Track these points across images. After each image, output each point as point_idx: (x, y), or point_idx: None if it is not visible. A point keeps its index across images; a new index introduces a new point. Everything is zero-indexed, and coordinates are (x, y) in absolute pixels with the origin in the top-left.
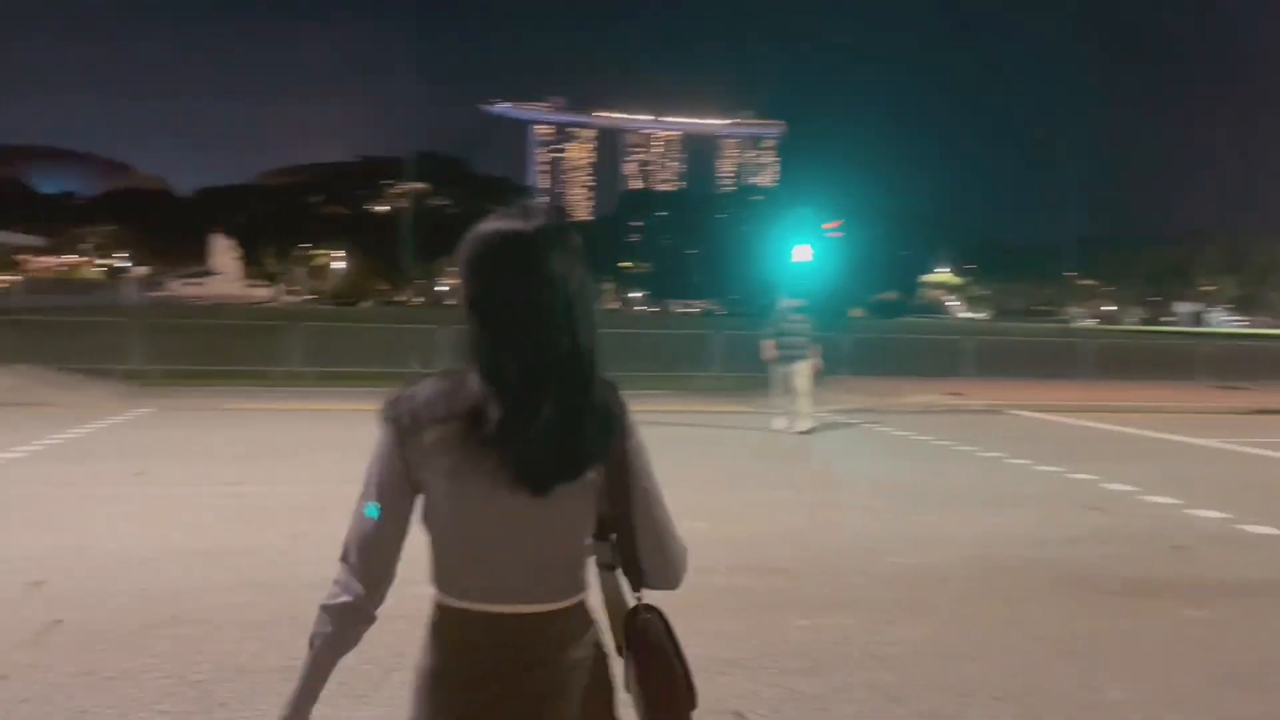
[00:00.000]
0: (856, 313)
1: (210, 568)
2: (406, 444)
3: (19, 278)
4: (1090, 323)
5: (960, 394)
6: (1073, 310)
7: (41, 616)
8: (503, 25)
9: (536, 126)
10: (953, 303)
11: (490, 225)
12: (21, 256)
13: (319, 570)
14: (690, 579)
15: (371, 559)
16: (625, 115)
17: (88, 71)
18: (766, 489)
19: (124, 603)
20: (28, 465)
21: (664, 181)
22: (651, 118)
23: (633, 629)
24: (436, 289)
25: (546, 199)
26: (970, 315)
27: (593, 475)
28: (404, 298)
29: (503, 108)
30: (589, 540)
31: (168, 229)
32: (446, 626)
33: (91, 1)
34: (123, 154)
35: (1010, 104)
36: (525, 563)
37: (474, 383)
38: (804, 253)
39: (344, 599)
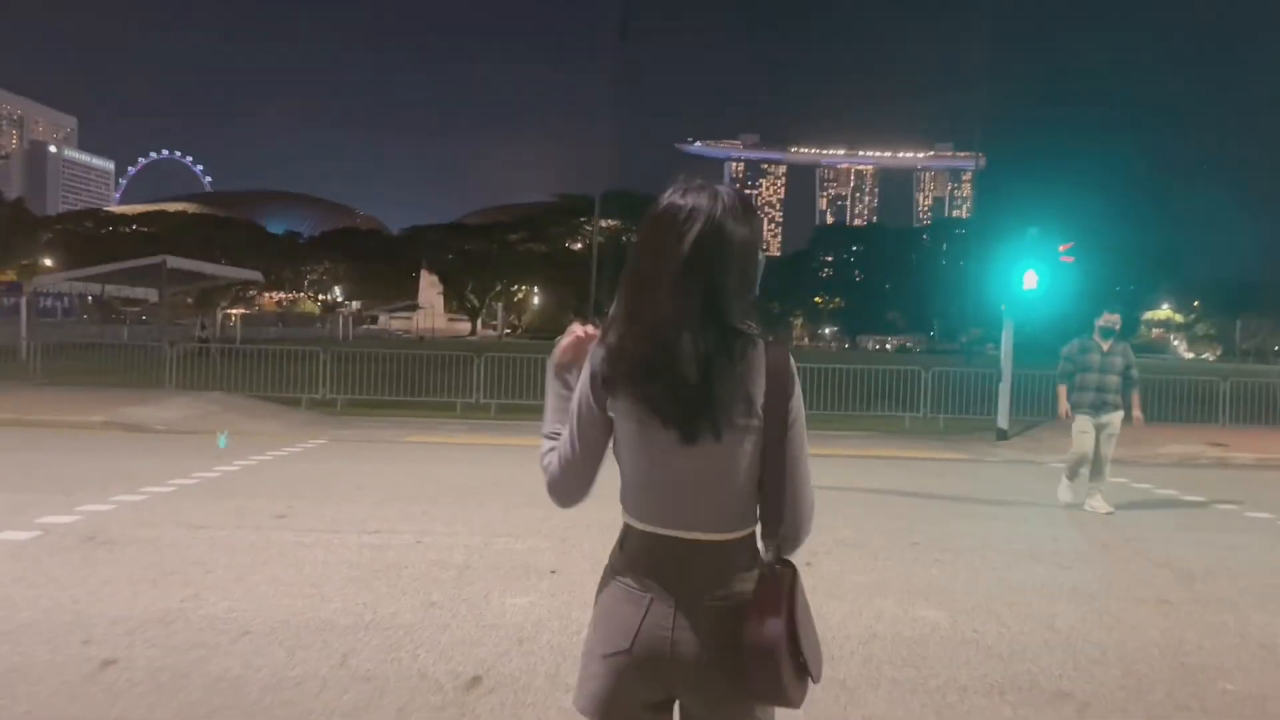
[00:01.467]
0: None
1: (314, 649)
2: (598, 380)
3: (243, 311)
4: None
5: (1224, 444)
6: None
7: (96, 711)
8: (701, 63)
9: (731, 163)
10: (1176, 342)
11: (678, 197)
12: (250, 292)
13: (446, 663)
14: (932, 698)
15: (569, 481)
16: (819, 150)
17: (318, 117)
18: (1021, 564)
19: (193, 699)
20: (171, 501)
21: (858, 216)
22: (844, 152)
23: (773, 580)
24: None
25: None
26: (1193, 355)
27: (754, 424)
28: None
29: (697, 147)
30: (748, 482)
31: (380, 266)
32: (625, 539)
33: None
34: (345, 198)
35: (1229, 134)
36: (685, 495)
37: (641, 330)
38: (1033, 279)
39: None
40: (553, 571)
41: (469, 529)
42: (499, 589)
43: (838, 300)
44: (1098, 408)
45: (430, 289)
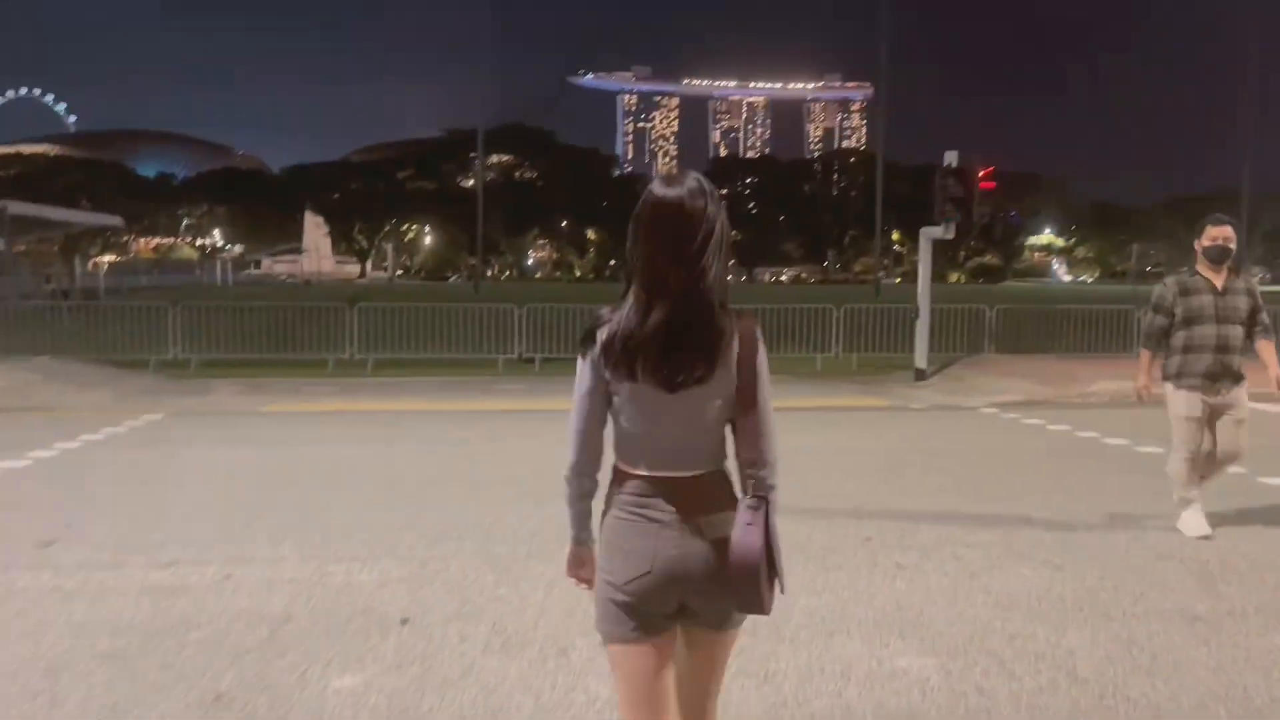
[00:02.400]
0: (954, 278)
1: None
2: (598, 354)
3: (113, 259)
4: None
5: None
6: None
7: None
8: None
9: (623, 96)
10: (1057, 266)
11: (660, 189)
12: (123, 238)
13: None
14: None
15: (587, 443)
16: (711, 82)
17: (191, 58)
18: (1002, 564)
19: None
20: None
21: (750, 149)
22: (736, 84)
23: (753, 509)
24: (527, 261)
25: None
26: (1073, 279)
27: (726, 378)
28: (494, 271)
29: (590, 79)
30: (722, 427)
31: (262, 208)
32: (623, 484)
33: None
34: (224, 138)
35: (1117, 52)
36: (669, 442)
37: (634, 309)
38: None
39: (574, 468)
40: (403, 621)
41: (301, 551)
42: (322, 659)
43: (734, 233)
44: (1215, 377)
45: (316, 230)
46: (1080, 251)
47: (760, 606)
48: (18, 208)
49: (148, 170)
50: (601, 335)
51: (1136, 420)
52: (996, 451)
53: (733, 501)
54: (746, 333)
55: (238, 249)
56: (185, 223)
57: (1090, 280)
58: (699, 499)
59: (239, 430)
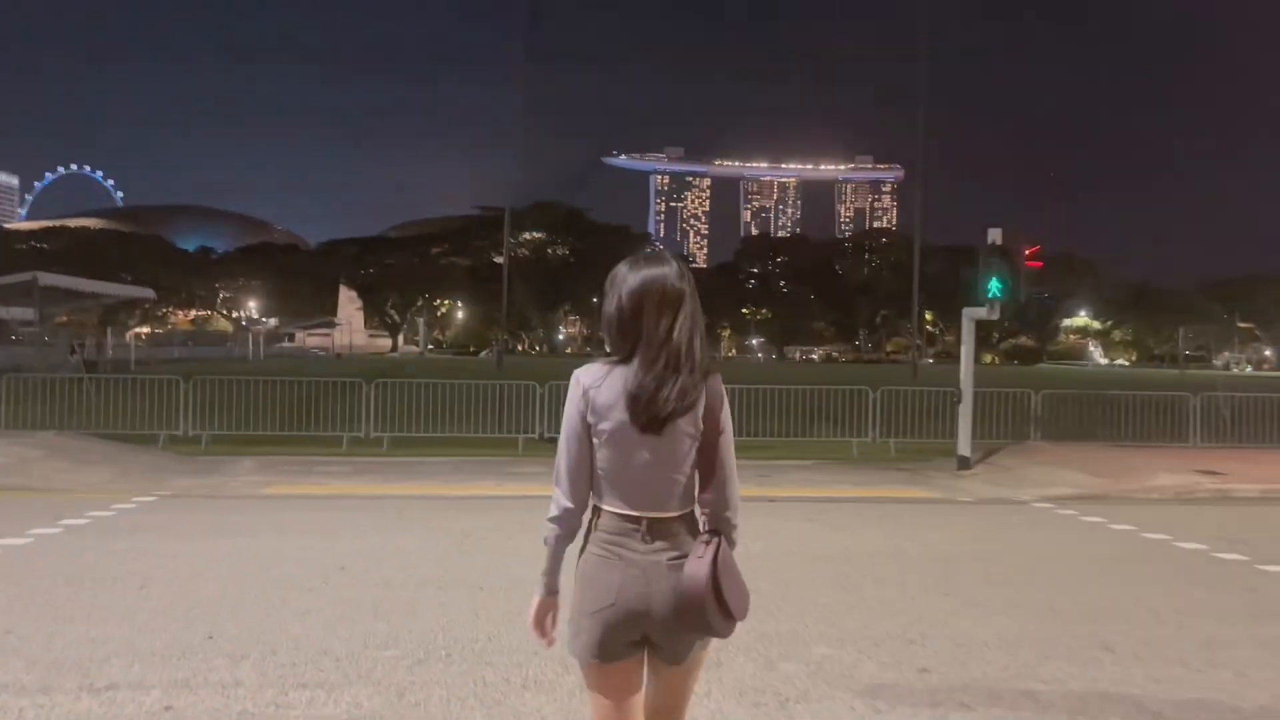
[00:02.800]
0: (988, 360)
1: None
2: (583, 401)
3: (149, 331)
4: (1247, 368)
5: (1218, 473)
6: (1227, 355)
7: None
8: (623, 78)
9: (655, 177)
10: (1093, 348)
11: (642, 267)
12: (163, 310)
13: None
14: None
15: (575, 480)
16: (743, 163)
17: (237, 133)
18: None
19: None
20: None
21: (781, 228)
22: (768, 165)
23: (703, 545)
24: (558, 337)
25: (661, 246)
26: (1109, 362)
27: (696, 432)
28: (524, 346)
29: (622, 160)
30: (690, 474)
31: (298, 282)
32: (600, 522)
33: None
34: (266, 214)
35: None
36: (643, 484)
37: (624, 368)
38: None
39: (561, 508)
40: None
41: (263, 672)
42: None
43: (764, 311)
44: None
45: (349, 304)
46: (1117, 334)
47: (710, 631)
48: (48, 279)
49: (188, 244)
50: (591, 388)
51: (1205, 520)
52: (1058, 556)
53: (693, 542)
54: (714, 390)
55: (273, 322)
56: (222, 296)
57: (1127, 364)
58: (669, 539)
59: (231, 516)
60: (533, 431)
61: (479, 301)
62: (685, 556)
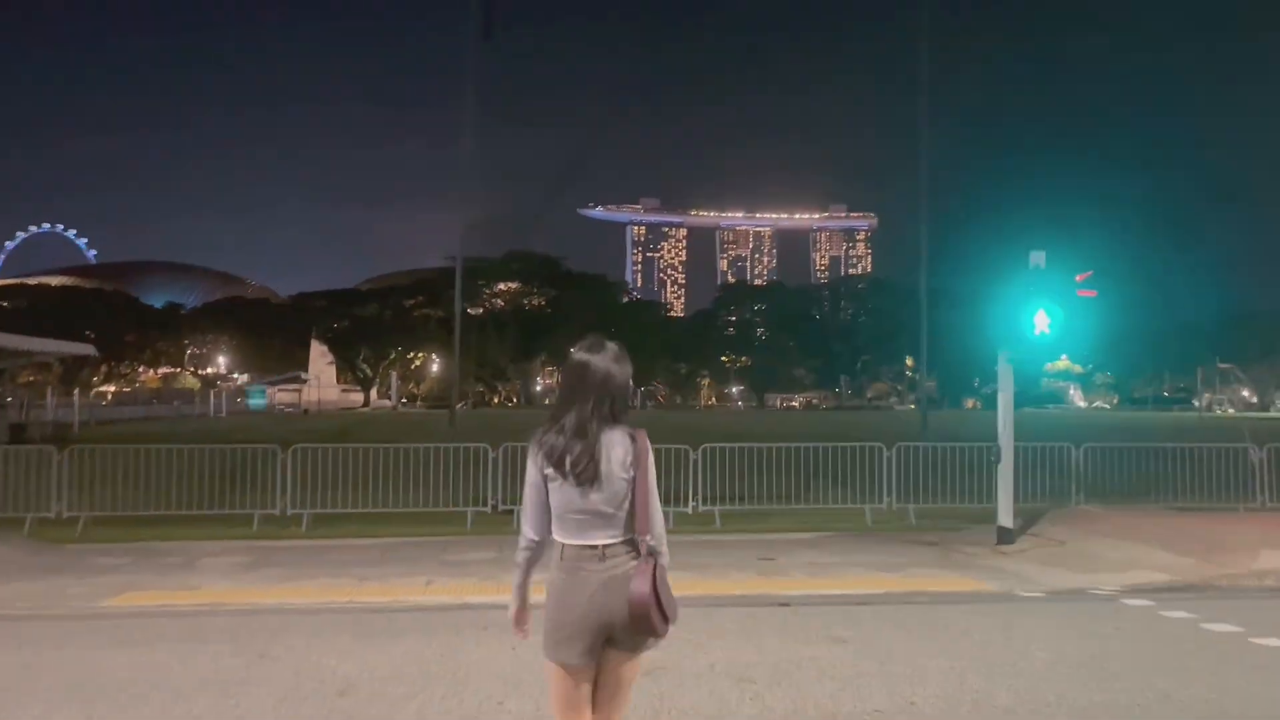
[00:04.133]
0: (970, 404)
1: None
2: (540, 458)
3: (113, 389)
4: (1229, 410)
5: None
6: (1209, 396)
7: None
8: (597, 128)
9: (632, 227)
10: (1072, 392)
11: (583, 353)
12: (138, 368)
13: None
14: None
15: (537, 518)
16: (719, 213)
17: (210, 194)
18: None
19: None
20: None
21: (758, 277)
22: (743, 214)
23: (644, 564)
24: (535, 388)
25: (639, 295)
26: (1088, 405)
27: (628, 478)
28: (499, 397)
29: (599, 211)
30: (626, 509)
31: (268, 337)
32: (561, 552)
33: (207, 129)
34: (242, 269)
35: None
36: (589, 519)
37: (564, 429)
38: (1043, 320)
39: (528, 539)
40: None
41: None
42: None
43: (743, 359)
44: None
45: (321, 359)
46: (1099, 378)
47: (654, 631)
48: None
49: (158, 300)
50: (545, 446)
51: None
52: (1207, 700)
53: (635, 562)
54: (640, 442)
55: (243, 378)
56: (189, 352)
57: (1109, 408)
58: (618, 559)
59: (33, 651)
60: (484, 504)
61: (453, 354)
62: (626, 572)
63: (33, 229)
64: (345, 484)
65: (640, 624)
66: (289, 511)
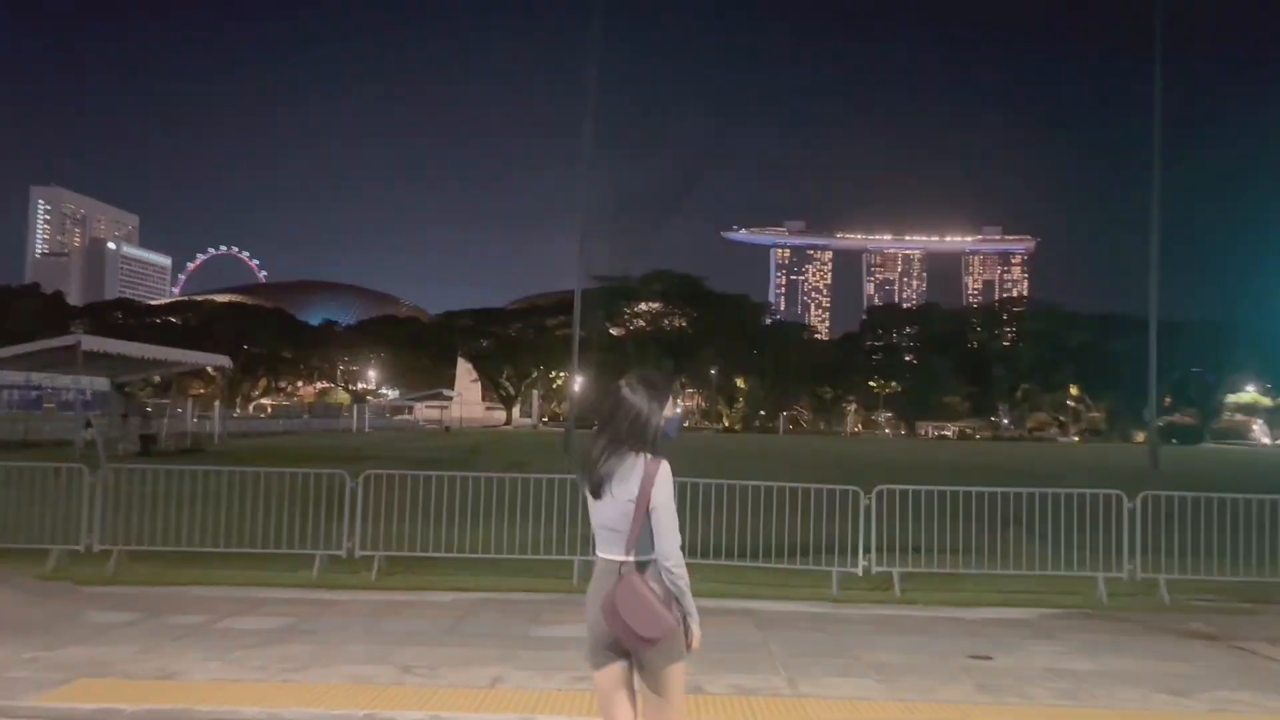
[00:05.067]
0: (1139, 438)
1: None
2: (585, 478)
3: (272, 402)
4: None
5: None
6: None
7: None
8: (748, 152)
9: (775, 250)
10: (1256, 426)
11: (623, 390)
12: (285, 383)
13: None
14: None
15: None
16: (865, 236)
17: (377, 216)
18: None
19: None
20: None
21: (906, 301)
22: (891, 237)
23: (652, 573)
24: (675, 410)
25: (781, 317)
26: (1273, 441)
27: (632, 498)
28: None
29: (742, 234)
30: (640, 530)
31: (417, 354)
32: (596, 565)
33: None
34: (396, 289)
35: None
36: (607, 535)
37: (599, 442)
38: None
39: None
40: None
41: None
42: None
43: (892, 384)
44: None
45: (466, 376)
46: None
47: (636, 648)
48: (93, 343)
49: (316, 318)
50: (581, 467)
51: None
52: None
53: (650, 577)
54: (652, 467)
55: (394, 394)
56: (341, 368)
57: None
58: (624, 573)
59: None
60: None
61: (593, 374)
62: (638, 587)
63: (211, 250)
64: (435, 518)
65: (624, 639)
66: (358, 554)
